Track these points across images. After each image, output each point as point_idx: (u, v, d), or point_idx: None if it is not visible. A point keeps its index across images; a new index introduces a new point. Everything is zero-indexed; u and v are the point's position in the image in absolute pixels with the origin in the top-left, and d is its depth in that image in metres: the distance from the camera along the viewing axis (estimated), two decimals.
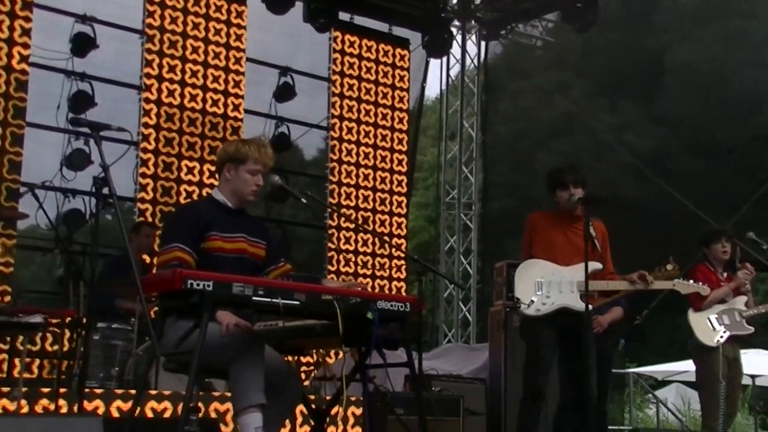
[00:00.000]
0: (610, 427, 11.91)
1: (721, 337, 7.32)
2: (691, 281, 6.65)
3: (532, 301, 6.21)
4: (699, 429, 7.41)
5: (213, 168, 5.02)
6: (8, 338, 7.07)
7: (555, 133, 24.78)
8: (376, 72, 12.37)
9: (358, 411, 6.98)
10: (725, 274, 7.65)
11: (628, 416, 15.42)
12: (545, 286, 6.25)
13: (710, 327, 7.41)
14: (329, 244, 11.71)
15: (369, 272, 11.88)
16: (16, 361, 7.26)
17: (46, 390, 6.17)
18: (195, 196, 10.32)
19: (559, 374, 6.41)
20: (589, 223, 6.09)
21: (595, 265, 6.15)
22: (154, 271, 4.48)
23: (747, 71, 22.77)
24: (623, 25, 24.98)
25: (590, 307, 6.09)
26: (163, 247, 4.54)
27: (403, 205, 12.45)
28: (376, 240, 11.84)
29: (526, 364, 6.37)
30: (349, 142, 11.98)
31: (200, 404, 4.44)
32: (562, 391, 6.46)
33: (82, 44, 9.93)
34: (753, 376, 14.18)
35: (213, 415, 6.31)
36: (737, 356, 7.59)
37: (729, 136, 22.32)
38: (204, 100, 10.74)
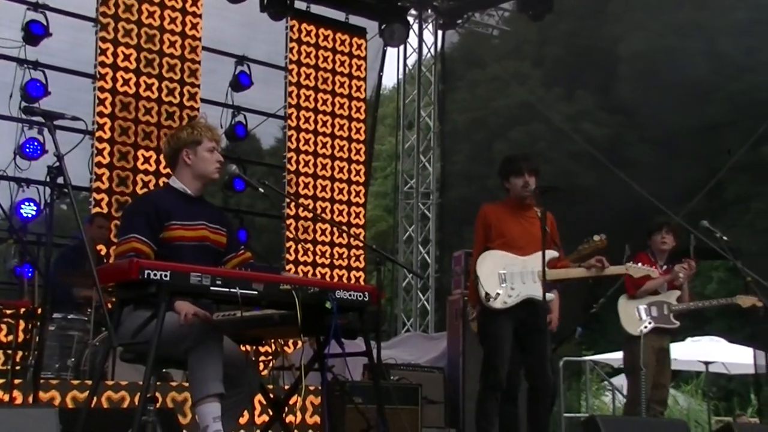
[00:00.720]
0: (566, 415, 12.04)
1: (645, 327, 7.44)
2: (641, 264, 6.77)
3: (498, 294, 6.24)
4: (653, 416, 7.52)
5: None
6: None
7: (512, 122, 24.88)
8: (333, 61, 12.34)
9: (317, 400, 6.99)
10: (665, 267, 7.76)
11: (584, 403, 15.54)
12: (509, 277, 6.28)
13: (636, 316, 7.54)
14: (287, 234, 11.69)
15: (327, 262, 11.87)
16: None
17: (0, 381, 6.11)
18: (152, 186, 10.25)
19: (511, 364, 6.44)
20: (546, 211, 6.13)
21: (552, 254, 6.22)
22: (111, 261, 4.45)
23: (699, 61, 23.00)
24: (578, 14, 25.13)
25: (551, 296, 6.16)
26: (120, 238, 4.52)
27: (361, 194, 12.44)
28: (335, 229, 11.84)
29: (487, 356, 6.38)
30: (307, 131, 11.95)
31: (158, 394, 4.41)
32: (508, 380, 6.52)
33: (35, 33, 9.79)
34: (706, 363, 14.36)
35: (171, 405, 6.29)
36: (666, 347, 7.70)
37: (682, 125, 22.55)
38: (160, 89, 10.66)
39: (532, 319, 6.24)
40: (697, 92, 22.00)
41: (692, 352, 14.53)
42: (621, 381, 18.20)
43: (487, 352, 6.40)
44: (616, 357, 18.73)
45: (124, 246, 4.45)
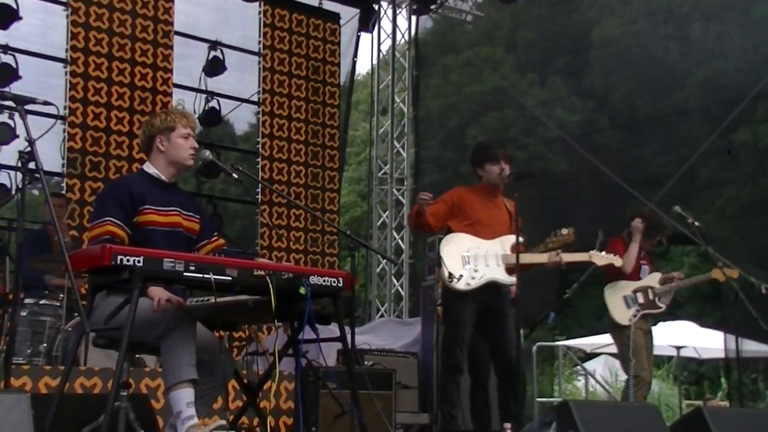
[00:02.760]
0: (539, 399, 12.10)
1: (634, 315, 7.51)
2: (604, 252, 6.70)
3: (461, 276, 6.26)
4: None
5: None
6: None
7: (485, 108, 24.92)
8: (307, 46, 12.29)
9: (291, 386, 6.99)
10: (642, 252, 7.84)
11: (557, 388, 15.64)
12: (472, 260, 6.31)
13: (624, 305, 7.60)
14: (261, 220, 11.66)
15: (301, 247, 11.86)
16: None
17: None
18: (125, 172, 10.18)
19: (475, 350, 6.47)
20: (517, 198, 6.16)
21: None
22: (84, 245, 4.43)
23: (671, 46, 23.10)
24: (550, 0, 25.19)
25: (513, 279, 6.19)
26: (94, 222, 4.50)
27: (335, 180, 12.43)
28: (309, 215, 11.82)
29: (446, 339, 6.44)
30: (281, 116, 11.91)
31: (131, 380, 4.40)
32: (478, 367, 6.55)
33: (5, 15, 9.68)
34: (678, 347, 14.47)
35: (144, 390, 6.28)
36: (649, 329, 7.81)
37: (653, 111, 22.66)
38: (132, 74, 10.59)
39: (496, 302, 6.28)
40: (668, 78, 22.11)
41: (663, 336, 14.62)
42: (593, 366, 18.35)
43: (446, 336, 6.43)
44: (588, 342, 18.87)
45: (99, 229, 4.44)
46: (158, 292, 4.21)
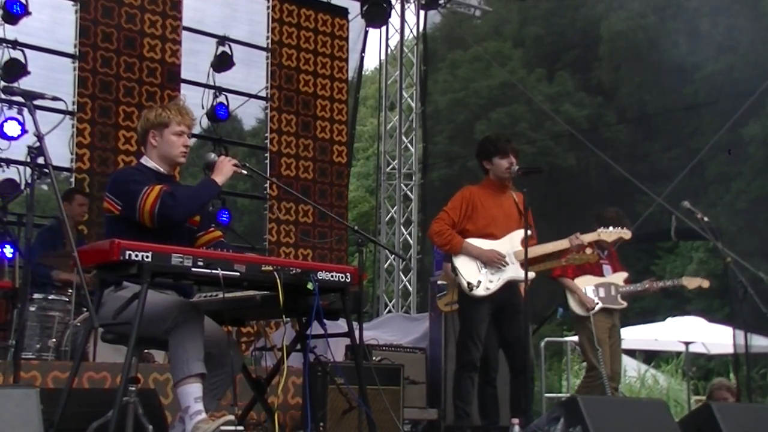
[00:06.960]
0: (547, 395, 12.10)
1: (591, 308, 7.60)
2: (611, 227, 6.77)
3: (480, 282, 6.28)
4: (635, 394, 7.63)
5: None
6: None
7: (493, 103, 24.91)
8: (315, 42, 12.29)
9: (299, 381, 7.00)
10: (606, 252, 7.93)
11: (565, 383, 15.62)
12: (488, 263, 6.33)
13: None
14: (269, 215, 11.67)
15: (309, 243, 11.85)
16: None
17: None
18: None
19: (485, 345, 6.48)
20: (526, 193, 6.16)
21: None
22: (147, 206, 4.35)
23: (680, 41, 23.05)
24: None
25: (532, 275, 6.18)
26: (141, 194, 4.45)
27: (344, 175, 12.43)
28: (317, 211, 11.81)
29: (461, 336, 6.46)
30: (288, 112, 11.91)
31: (139, 374, 4.41)
32: (486, 362, 6.55)
33: (13, 12, 9.68)
34: (686, 343, 14.44)
35: (152, 385, 6.29)
36: (616, 323, 7.85)
37: (662, 105, 22.62)
38: (140, 70, 10.60)
39: (512, 300, 6.29)
40: (677, 72, 22.07)
41: (672, 332, 14.62)
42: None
43: (461, 333, 6.45)
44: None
45: (152, 193, 4.43)
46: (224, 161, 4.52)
